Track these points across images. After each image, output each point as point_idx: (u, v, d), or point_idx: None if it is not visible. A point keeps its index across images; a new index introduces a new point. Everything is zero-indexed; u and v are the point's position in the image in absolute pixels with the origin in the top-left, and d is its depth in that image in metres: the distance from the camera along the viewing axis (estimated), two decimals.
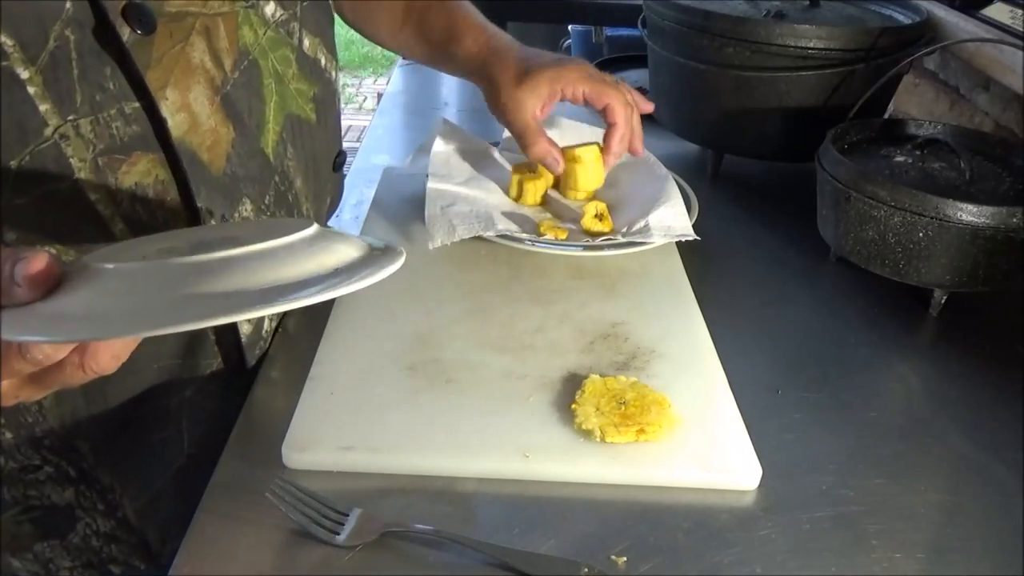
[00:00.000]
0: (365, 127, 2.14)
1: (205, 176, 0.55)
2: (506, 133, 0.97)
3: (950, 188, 0.75)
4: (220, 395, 0.62)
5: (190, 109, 0.53)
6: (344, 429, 0.55)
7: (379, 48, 1.11)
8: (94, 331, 0.35)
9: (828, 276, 0.83)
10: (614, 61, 1.40)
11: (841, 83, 0.90)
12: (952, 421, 0.63)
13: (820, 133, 0.82)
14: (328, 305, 0.68)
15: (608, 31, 2.32)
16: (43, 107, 0.47)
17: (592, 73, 0.78)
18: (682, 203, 0.82)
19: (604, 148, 0.80)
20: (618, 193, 0.88)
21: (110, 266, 0.38)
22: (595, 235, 0.80)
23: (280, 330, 0.67)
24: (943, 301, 0.76)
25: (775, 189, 1.02)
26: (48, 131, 0.47)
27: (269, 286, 0.38)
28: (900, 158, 0.80)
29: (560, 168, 0.81)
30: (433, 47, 0.85)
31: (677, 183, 0.86)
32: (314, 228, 0.41)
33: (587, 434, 0.55)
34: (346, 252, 0.41)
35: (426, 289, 0.72)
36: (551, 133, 0.94)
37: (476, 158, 0.91)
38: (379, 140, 1.12)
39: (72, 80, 0.47)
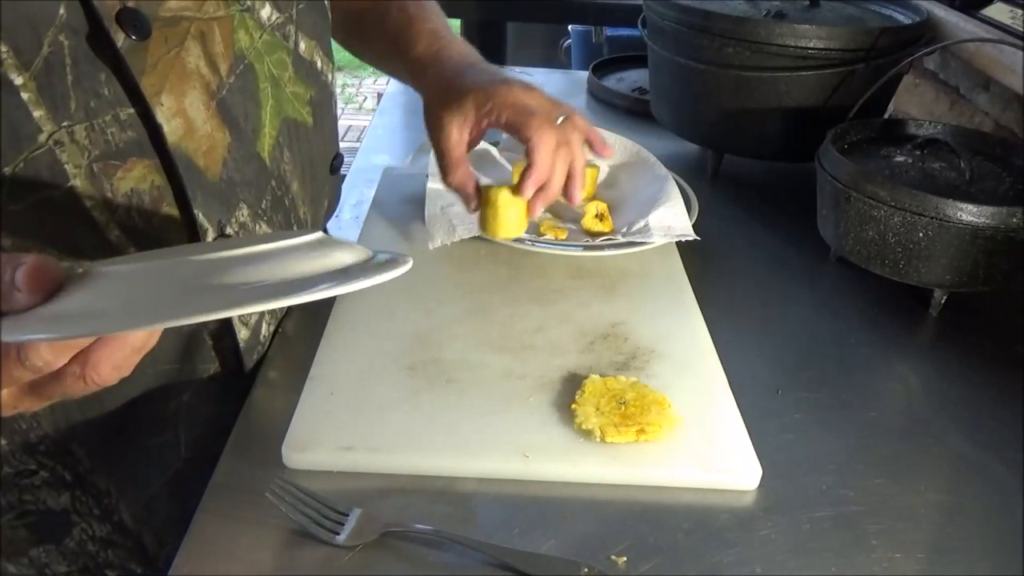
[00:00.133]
0: (365, 127, 2.14)
1: (201, 182, 0.55)
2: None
3: (950, 188, 0.75)
4: (217, 399, 0.62)
5: (186, 115, 0.53)
6: (344, 429, 0.55)
7: None
8: (94, 327, 0.35)
9: (828, 276, 0.83)
10: (614, 61, 1.40)
11: (841, 83, 0.90)
12: (952, 421, 0.63)
13: (820, 133, 0.82)
14: (328, 306, 0.68)
15: (608, 31, 2.33)
16: (37, 113, 0.46)
17: (526, 101, 0.66)
18: (682, 203, 0.82)
19: (517, 190, 0.67)
20: (618, 193, 0.88)
21: (110, 268, 0.38)
22: (595, 235, 0.80)
23: (279, 331, 0.67)
24: (943, 301, 0.76)
25: (775, 189, 1.02)
26: (42, 137, 0.47)
27: (273, 282, 0.38)
28: (900, 158, 0.80)
29: (472, 207, 0.70)
30: (385, 49, 0.78)
31: (677, 183, 0.86)
32: (318, 235, 0.41)
33: (587, 434, 0.55)
34: (351, 256, 0.41)
35: (426, 289, 0.72)
36: None
37: (476, 158, 0.91)
38: (379, 140, 1.12)
39: (66, 86, 0.47)
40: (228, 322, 0.60)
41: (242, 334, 0.61)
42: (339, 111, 0.80)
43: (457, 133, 0.67)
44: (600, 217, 0.82)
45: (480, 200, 0.69)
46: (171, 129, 0.52)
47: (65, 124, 0.48)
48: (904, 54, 0.91)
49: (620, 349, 0.65)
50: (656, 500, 0.53)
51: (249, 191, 0.59)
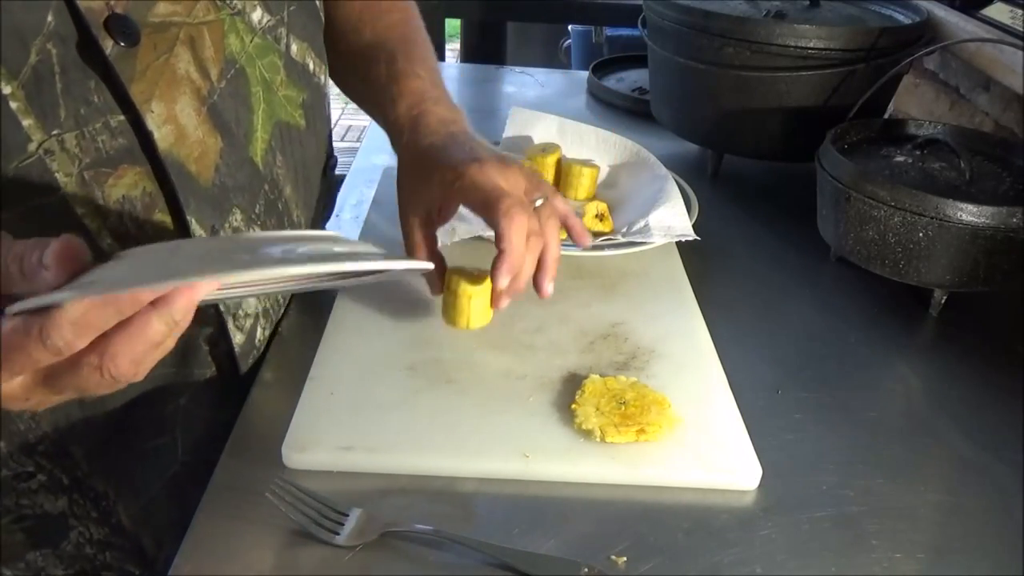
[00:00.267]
0: (365, 127, 2.14)
1: (193, 187, 0.54)
2: (506, 133, 0.97)
3: (950, 188, 0.75)
4: (214, 403, 0.61)
5: (176, 121, 0.53)
6: (344, 429, 0.55)
7: None
8: (120, 286, 0.35)
9: (828, 276, 0.83)
10: (614, 61, 1.40)
11: (841, 83, 0.90)
12: (952, 421, 0.63)
13: (820, 133, 0.82)
14: (327, 306, 0.68)
15: (608, 31, 2.33)
16: (26, 122, 0.46)
17: (497, 182, 0.59)
18: (682, 203, 0.82)
19: (492, 275, 0.58)
20: (618, 193, 0.88)
21: (136, 249, 0.38)
22: (595, 235, 0.80)
23: (278, 333, 0.67)
24: (943, 301, 0.76)
25: (775, 189, 1.02)
26: (32, 146, 0.47)
27: (303, 253, 0.38)
28: (900, 158, 0.80)
29: (436, 291, 0.63)
30: (369, 105, 0.74)
31: (677, 183, 0.86)
32: (337, 232, 0.41)
33: (587, 434, 0.55)
34: (374, 248, 0.41)
35: (426, 289, 0.72)
36: (550, 136, 0.94)
37: None
38: (379, 140, 1.11)
39: (55, 94, 0.47)
40: (223, 327, 0.60)
41: (237, 339, 0.61)
42: (339, 111, 0.79)
43: (422, 213, 0.62)
44: (600, 217, 0.82)
45: (442, 285, 0.62)
46: (162, 136, 0.52)
47: (55, 132, 0.47)
48: (904, 54, 0.91)
49: (620, 349, 0.65)
50: (656, 500, 0.53)
51: (242, 196, 0.59)
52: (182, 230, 0.54)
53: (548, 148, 0.91)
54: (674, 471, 0.54)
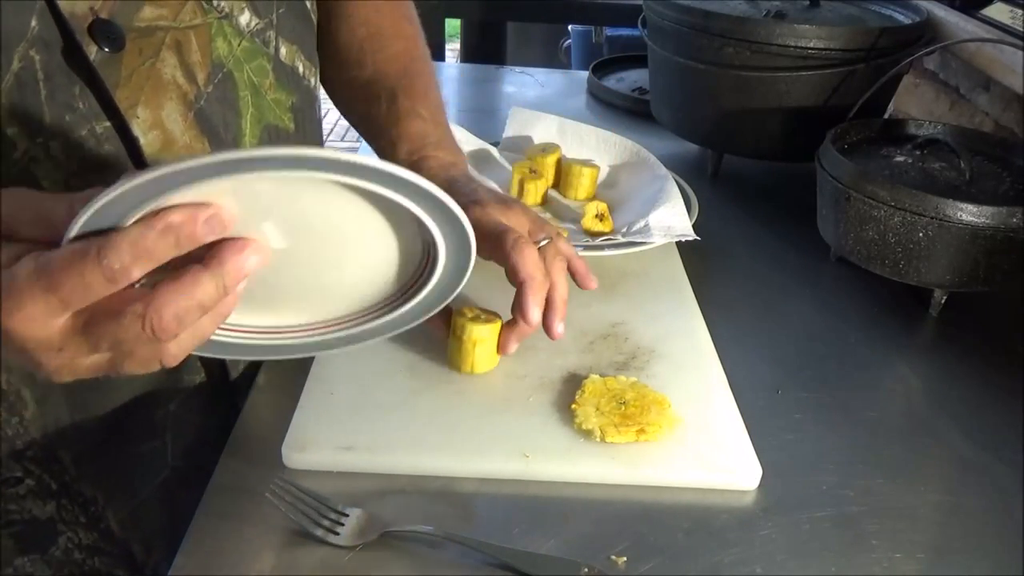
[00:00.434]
0: None
1: None
2: (506, 133, 0.97)
3: (950, 188, 0.75)
4: (204, 409, 0.61)
5: (163, 126, 0.52)
6: (344, 429, 0.55)
7: None
8: (174, 165, 0.34)
9: (828, 276, 0.83)
10: (614, 61, 1.40)
11: (841, 83, 0.90)
12: (952, 421, 0.63)
13: (820, 133, 0.82)
14: None
15: (608, 31, 2.33)
16: (10, 130, 0.46)
17: (498, 219, 0.59)
18: (682, 203, 0.82)
19: (520, 312, 0.57)
20: (618, 193, 0.89)
21: None
22: (595, 235, 0.80)
23: None
24: (943, 301, 0.76)
25: (775, 189, 1.02)
26: (17, 154, 0.46)
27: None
28: (900, 158, 0.80)
29: (442, 334, 0.61)
30: (371, 143, 0.72)
31: (677, 183, 0.86)
32: (334, 151, 0.42)
33: (587, 434, 0.55)
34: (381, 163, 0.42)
35: None
36: (550, 136, 0.94)
37: (476, 158, 0.91)
38: None
39: (40, 101, 0.46)
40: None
41: None
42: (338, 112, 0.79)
43: None
44: (600, 217, 0.82)
45: (448, 329, 0.60)
46: (148, 142, 0.51)
47: (40, 140, 0.47)
48: (904, 54, 0.91)
49: (620, 349, 0.65)
50: (656, 500, 0.53)
51: None
52: None
53: (548, 148, 0.91)
54: (674, 471, 0.54)
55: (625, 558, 0.49)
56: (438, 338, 0.62)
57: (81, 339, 0.38)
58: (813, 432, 0.61)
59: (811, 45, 0.88)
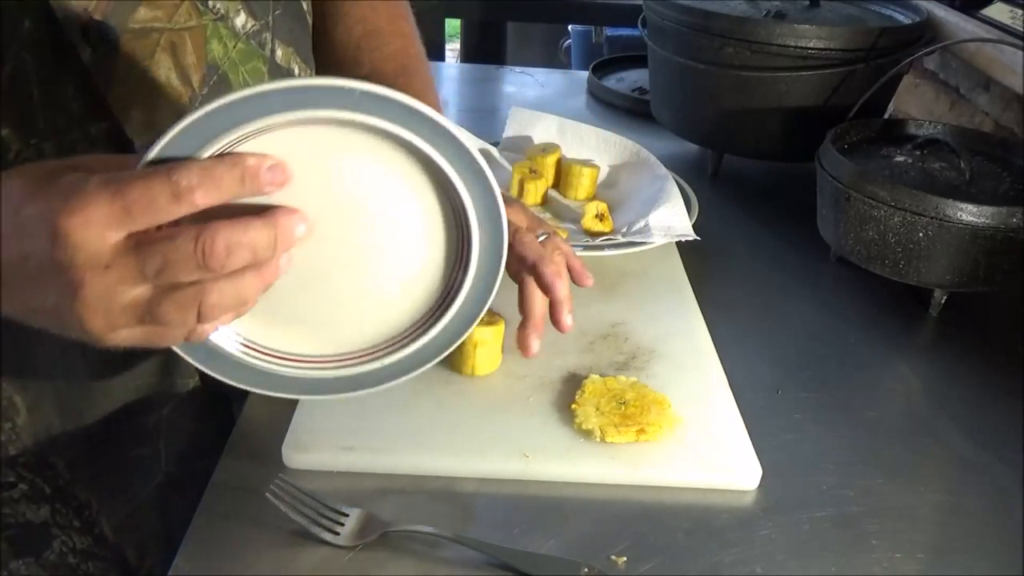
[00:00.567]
0: None
1: None
2: (506, 133, 0.97)
3: (950, 188, 0.75)
4: (198, 414, 0.61)
5: (157, 128, 0.52)
6: (344, 429, 0.55)
7: None
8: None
9: (828, 276, 0.83)
10: (614, 61, 1.40)
11: (841, 83, 0.90)
12: (952, 421, 0.63)
13: (820, 133, 0.82)
14: None
15: (608, 31, 2.33)
16: (4, 131, 0.46)
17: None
18: (682, 203, 0.82)
19: (545, 288, 0.57)
20: (618, 193, 0.88)
21: None
22: (595, 235, 0.80)
23: None
24: (943, 301, 0.76)
25: (775, 189, 1.02)
26: (10, 156, 0.46)
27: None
28: (900, 158, 0.80)
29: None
30: None
31: (677, 183, 0.86)
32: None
33: (587, 434, 0.55)
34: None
35: None
36: (550, 136, 0.94)
37: None
38: None
39: (33, 103, 0.46)
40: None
41: None
42: None
43: None
44: (600, 217, 0.82)
45: None
46: (142, 144, 0.51)
47: (33, 142, 0.47)
48: (904, 54, 0.91)
49: (620, 349, 0.65)
50: (656, 500, 0.53)
51: None
52: None
53: (548, 148, 0.91)
54: (674, 471, 0.54)
55: (625, 558, 0.49)
56: None
57: (131, 259, 0.36)
58: (813, 432, 0.61)
59: (811, 45, 0.88)
